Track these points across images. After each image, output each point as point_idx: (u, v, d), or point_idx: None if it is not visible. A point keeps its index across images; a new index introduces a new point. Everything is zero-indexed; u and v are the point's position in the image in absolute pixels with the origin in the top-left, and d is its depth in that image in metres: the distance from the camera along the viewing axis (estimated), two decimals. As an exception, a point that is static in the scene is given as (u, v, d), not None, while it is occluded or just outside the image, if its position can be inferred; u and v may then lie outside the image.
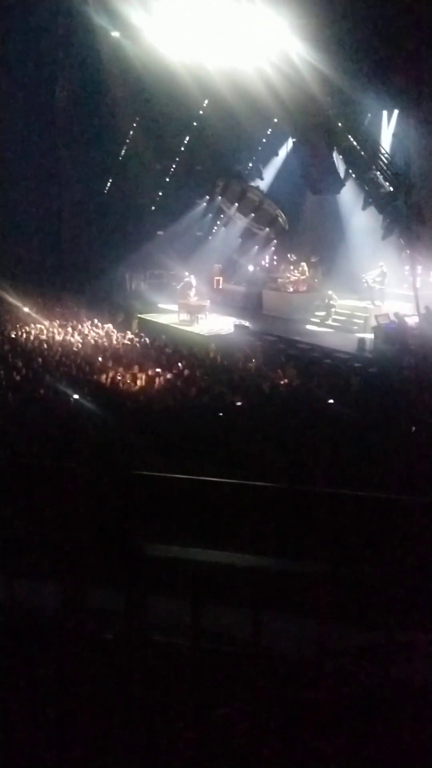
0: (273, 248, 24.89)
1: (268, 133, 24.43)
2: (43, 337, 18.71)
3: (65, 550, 2.25)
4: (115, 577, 2.19)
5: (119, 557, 2.24)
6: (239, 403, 12.18)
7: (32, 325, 19.93)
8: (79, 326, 19.87)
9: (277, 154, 24.74)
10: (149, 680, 2.09)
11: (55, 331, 19.48)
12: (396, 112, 21.46)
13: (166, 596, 2.16)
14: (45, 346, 17.57)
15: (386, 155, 20.62)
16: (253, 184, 24.71)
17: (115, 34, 22.77)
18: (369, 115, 21.75)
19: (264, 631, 1.89)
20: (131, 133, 25.71)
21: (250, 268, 24.84)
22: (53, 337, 18.62)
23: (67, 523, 2.52)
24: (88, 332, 19.18)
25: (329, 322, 20.66)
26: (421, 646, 2.17)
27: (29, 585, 2.33)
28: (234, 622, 2.10)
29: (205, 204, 25.58)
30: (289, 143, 24.10)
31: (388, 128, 21.81)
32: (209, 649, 2.08)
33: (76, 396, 12.27)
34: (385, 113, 21.76)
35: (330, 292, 21.03)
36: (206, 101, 23.39)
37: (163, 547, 2.32)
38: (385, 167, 20.19)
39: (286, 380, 14.41)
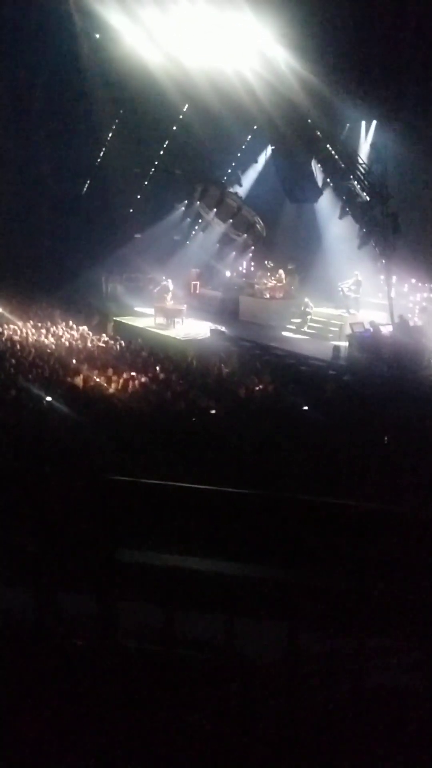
0: (250, 254, 24.98)
1: (248, 140, 24.54)
2: (17, 337, 18.51)
3: (37, 555, 2.22)
4: (88, 582, 2.17)
5: (92, 563, 2.22)
6: (213, 410, 12.17)
7: (5, 325, 19.70)
8: (54, 328, 19.70)
9: (256, 161, 24.86)
10: (121, 687, 2.07)
11: (29, 331, 19.29)
12: (374, 122, 21.72)
13: (139, 602, 2.14)
14: (18, 346, 17.38)
15: (364, 165, 20.83)
16: (231, 190, 24.78)
17: (97, 36, 22.70)
18: (348, 125, 21.98)
19: (237, 637, 1.88)
20: (110, 135, 25.64)
21: (228, 273, 24.88)
22: (27, 338, 18.43)
23: (39, 527, 2.49)
24: (63, 334, 19.03)
25: (305, 329, 20.78)
26: (393, 652, 2.19)
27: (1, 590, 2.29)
28: (207, 627, 2.09)
29: (183, 208, 25.57)
30: (268, 150, 24.23)
31: (366, 139, 22.06)
32: (182, 656, 2.06)
33: (49, 398, 12.15)
34: (363, 123, 22.00)
35: (306, 300, 21.17)
36: (186, 106, 23.43)
37: (136, 552, 2.30)
38: (362, 177, 20.40)
39: (261, 386, 14.44)
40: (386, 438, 10.51)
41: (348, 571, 2.29)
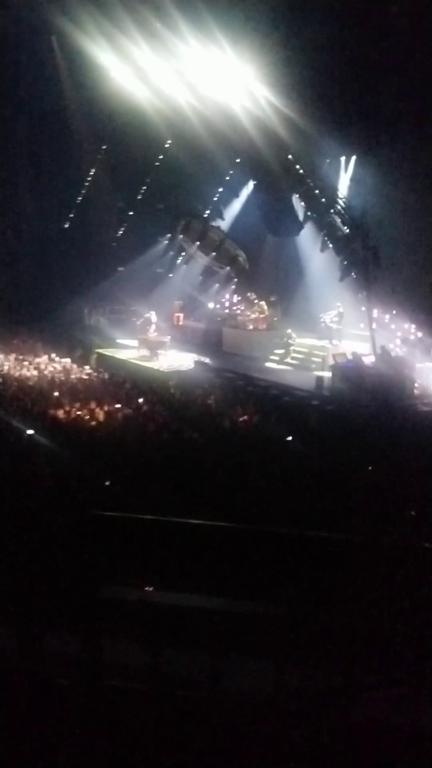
0: (233, 286, 25.19)
1: (230, 174, 24.94)
2: None
3: (20, 593, 2.17)
4: (72, 619, 2.13)
5: (76, 599, 2.18)
6: (198, 440, 12.14)
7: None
8: (36, 360, 19.64)
9: (238, 196, 25.23)
10: (106, 727, 2.02)
11: (12, 364, 19.21)
12: (353, 158, 22.19)
13: (123, 639, 2.10)
14: (0, 379, 17.28)
15: (344, 199, 21.22)
16: (214, 224, 25.08)
17: (81, 71, 23.11)
18: (327, 160, 22.42)
19: (224, 675, 1.85)
20: (94, 169, 25.94)
21: (211, 305, 25.05)
22: (9, 371, 18.34)
23: (21, 564, 2.44)
24: (45, 366, 18.97)
25: (288, 360, 20.90)
26: (380, 687, 2.16)
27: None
28: (193, 665, 2.05)
29: (166, 242, 25.81)
30: (250, 185, 24.62)
31: (345, 173, 22.50)
32: (168, 695, 2.02)
33: (31, 431, 12.04)
34: (343, 159, 22.47)
35: (289, 331, 21.34)
36: (169, 141, 23.81)
37: (120, 589, 2.27)
38: (342, 211, 20.76)
39: (245, 417, 14.44)
40: (370, 467, 10.52)
41: (333, 605, 2.27)
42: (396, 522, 6.91)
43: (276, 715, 2.02)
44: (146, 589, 2.27)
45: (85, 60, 22.18)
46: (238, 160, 23.34)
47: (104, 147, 25.33)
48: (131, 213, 25.91)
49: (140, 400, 15.15)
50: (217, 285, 25.34)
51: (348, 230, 20.31)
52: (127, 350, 21.97)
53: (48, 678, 2.24)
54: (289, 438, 12.45)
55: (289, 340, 21.18)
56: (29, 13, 22.25)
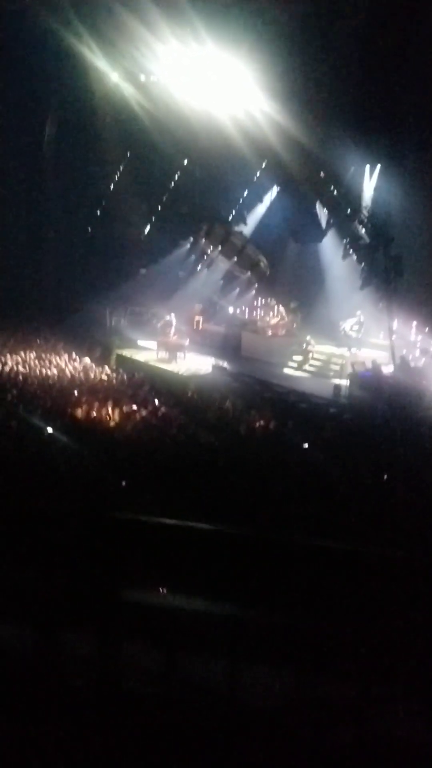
0: (254, 292, 25.21)
1: (254, 180, 24.98)
2: (20, 368, 18.56)
3: (38, 594, 2.20)
4: (89, 621, 2.16)
5: (93, 601, 2.20)
6: (214, 444, 12.15)
7: (9, 356, 19.78)
8: (57, 359, 19.77)
9: (261, 201, 25.24)
10: (119, 729, 2.04)
11: (33, 363, 19.35)
12: (378, 166, 22.13)
13: (140, 642, 2.13)
14: (21, 377, 17.42)
15: (367, 208, 21.16)
16: (236, 229, 25.13)
17: (109, 74, 23.30)
18: (352, 168, 22.38)
19: (240, 681, 1.86)
20: (119, 171, 26.11)
21: (231, 310, 25.08)
22: (30, 369, 18.48)
23: (40, 565, 2.48)
24: (66, 366, 19.09)
25: (306, 367, 20.86)
26: (395, 700, 2.16)
27: (1, 628, 2.27)
28: (209, 671, 2.06)
29: (188, 245, 25.89)
30: (274, 191, 24.64)
31: (370, 182, 22.43)
32: (183, 700, 2.04)
33: (50, 429, 12.14)
34: (367, 167, 22.41)
35: (308, 338, 21.30)
36: (195, 146, 23.90)
37: (137, 592, 2.29)
38: (365, 220, 20.70)
39: (261, 423, 14.43)
40: (386, 476, 10.48)
41: (351, 616, 2.27)
42: (411, 532, 6.88)
43: (291, 724, 2.03)
44: (163, 592, 2.29)
45: (114, 63, 22.35)
46: (263, 166, 23.36)
47: (130, 151, 25.48)
48: (154, 216, 26.03)
49: (157, 403, 15.19)
50: (237, 290, 25.37)
51: (370, 239, 20.24)
52: (147, 352, 22.05)
53: (64, 679, 2.27)
54: (306, 445, 12.43)
55: (308, 347, 21.14)
56: (57, 21, 22.46)
